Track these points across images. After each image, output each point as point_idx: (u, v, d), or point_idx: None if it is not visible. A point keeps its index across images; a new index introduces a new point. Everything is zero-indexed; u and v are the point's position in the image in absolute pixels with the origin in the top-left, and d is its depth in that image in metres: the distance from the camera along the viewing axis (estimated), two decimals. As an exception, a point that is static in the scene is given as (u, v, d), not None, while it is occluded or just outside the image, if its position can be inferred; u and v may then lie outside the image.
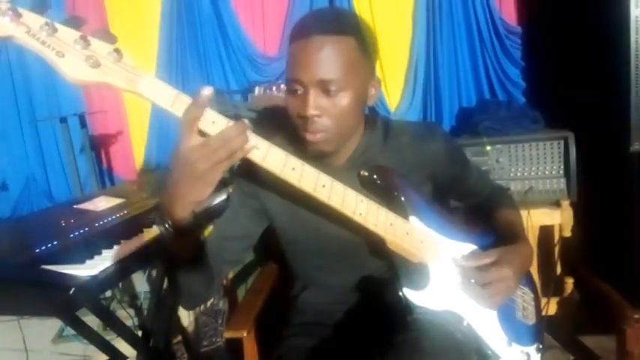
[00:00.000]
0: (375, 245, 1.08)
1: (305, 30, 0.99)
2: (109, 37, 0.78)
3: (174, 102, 0.81)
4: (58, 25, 0.75)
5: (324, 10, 1.17)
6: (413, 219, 1.07)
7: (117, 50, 0.78)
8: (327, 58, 0.96)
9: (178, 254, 0.93)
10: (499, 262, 1.06)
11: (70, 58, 0.75)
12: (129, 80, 0.79)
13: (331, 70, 0.96)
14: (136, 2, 2.82)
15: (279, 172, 0.90)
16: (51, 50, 0.74)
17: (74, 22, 0.77)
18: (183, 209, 0.83)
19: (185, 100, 0.81)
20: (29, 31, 0.73)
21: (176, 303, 2.04)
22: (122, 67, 0.78)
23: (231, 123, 0.82)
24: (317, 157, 1.04)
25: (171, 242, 0.89)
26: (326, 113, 0.98)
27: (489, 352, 1.10)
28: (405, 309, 1.03)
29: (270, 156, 0.89)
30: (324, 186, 0.94)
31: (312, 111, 0.96)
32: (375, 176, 1.08)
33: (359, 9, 2.61)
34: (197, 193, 0.81)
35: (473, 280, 1.07)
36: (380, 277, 1.17)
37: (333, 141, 1.02)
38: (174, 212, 0.83)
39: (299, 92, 0.99)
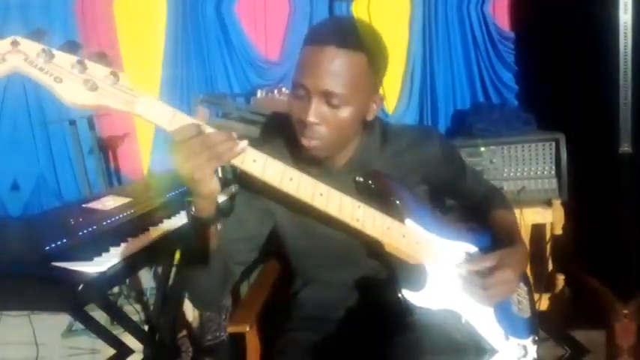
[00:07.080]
0: (373, 248, 1.10)
1: (321, 36, 0.99)
2: (105, 60, 0.79)
3: (172, 121, 0.82)
4: (55, 51, 0.75)
5: (345, 21, 1.15)
6: (409, 221, 1.08)
7: (113, 73, 0.79)
8: (337, 71, 0.96)
9: (201, 246, 0.97)
10: (500, 266, 1.07)
11: (67, 82, 0.75)
12: (126, 102, 0.79)
13: (338, 83, 0.97)
14: (143, 8, 2.85)
15: (278, 184, 0.92)
16: (49, 76, 0.74)
17: (71, 47, 0.77)
18: (198, 201, 0.89)
19: (182, 119, 0.83)
20: (27, 59, 0.73)
21: (183, 300, 2.09)
22: (119, 89, 0.79)
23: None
24: (311, 162, 1.07)
25: (194, 230, 0.95)
26: (325, 122, 1.00)
27: (487, 347, 1.10)
28: (404, 310, 1.03)
29: (269, 168, 0.91)
30: (321, 194, 0.96)
31: (311, 118, 0.98)
32: (370, 181, 1.10)
33: (357, 16, 2.63)
34: (194, 188, 0.85)
35: (475, 285, 1.07)
36: (379, 277, 1.18)
37: (327, 149, 1.04)
38: (194, 202, 0.90)
39: (303, 97, 1.00)
